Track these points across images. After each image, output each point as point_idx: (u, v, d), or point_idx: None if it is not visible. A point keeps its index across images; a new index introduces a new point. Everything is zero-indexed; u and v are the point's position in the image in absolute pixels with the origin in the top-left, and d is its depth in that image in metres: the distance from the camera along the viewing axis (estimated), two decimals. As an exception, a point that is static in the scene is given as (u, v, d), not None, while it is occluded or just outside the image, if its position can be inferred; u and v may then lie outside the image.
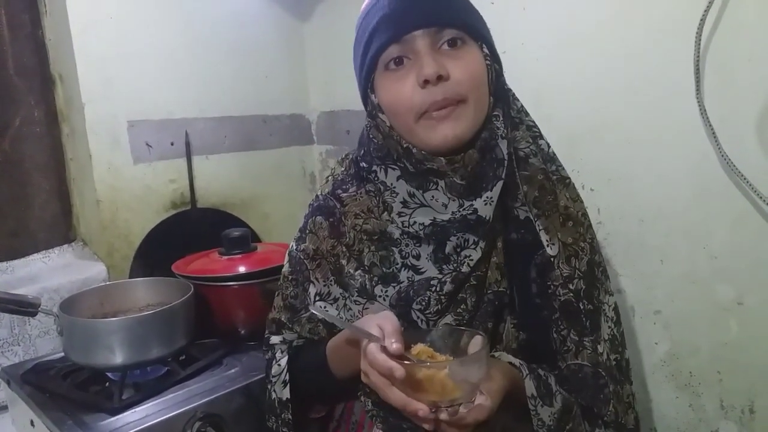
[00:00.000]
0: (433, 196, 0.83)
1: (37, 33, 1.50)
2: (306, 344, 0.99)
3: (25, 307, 1.15)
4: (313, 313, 0.95)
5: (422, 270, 0.86)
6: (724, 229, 1.08)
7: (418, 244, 0.86)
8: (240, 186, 1.76)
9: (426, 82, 0.77)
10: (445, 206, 0.83)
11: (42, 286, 1.41)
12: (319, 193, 1.00)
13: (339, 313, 0.92)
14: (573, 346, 0.84)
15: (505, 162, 0.82)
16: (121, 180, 1.51)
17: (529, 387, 0.78)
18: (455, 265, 0.84)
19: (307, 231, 0.98)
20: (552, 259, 0.84)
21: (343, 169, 0.99)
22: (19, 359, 1.37)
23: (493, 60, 0.83)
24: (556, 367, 0.85)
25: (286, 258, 1.03)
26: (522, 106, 0.90)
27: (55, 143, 1.56)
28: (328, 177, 1.01)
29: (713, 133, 1.03)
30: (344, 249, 0.93)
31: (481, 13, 0.86)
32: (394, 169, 0.86)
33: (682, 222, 1.13)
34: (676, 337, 1.18)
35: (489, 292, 0.85)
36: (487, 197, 0.82)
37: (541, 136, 0.89)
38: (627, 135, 1.17)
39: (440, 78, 0.77)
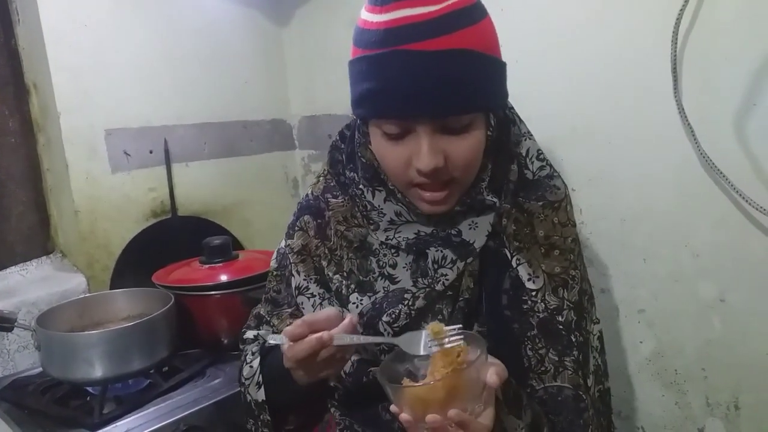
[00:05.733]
0: (417, 209, 0.83)
1: (10, 42, 1.48)
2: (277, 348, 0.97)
3: (0, 322, 1.13)
4: (293, 311, 0.94)
5: (397, 279, 0.86)
6: (706, 227, 1.08)
7: (396, 254, 0.87)
8: (221, 193, 1.74)
9: (421, 171, 0.75)
10: (428, 218, 0.84)
11: (20, 299, 1.38)
12: (309, 192, 0.99)
13: (314, 311, 0.90)
14: (552, 367, 0.81)
15: (497, 204, 0.83)
16: (100, 189, 1.48)
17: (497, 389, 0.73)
18: (430, 281, 0.83)
19: (296, 228, 0.97)
20: (535, 293, 0.82)
21: (333, 171, 0.97)
22: (-3, 375, 1.35)
23: (497, 120, 0.80)
24: (526, 385, 0.82)
25: (274, 255, 1.02)
26: (522, 131, 0.88)
27: (31, 153, 1.53)
28: (319, 176, 0.99)
29: (692, 132, 1.04)
30: (327, 251, 0.93)
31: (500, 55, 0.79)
32: (380, 191, 0.85)
33: (664, 221, 1.13)
34: (660, 335, 1.18)
35: (461, 299, 0.84)
36: (472, 221, 0.83)
37: (525, 166, 0.87)
38: (607, 136, 1.17)
39: (436, 168, 0.75)
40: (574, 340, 0.82)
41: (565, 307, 0.82)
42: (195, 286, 1.33)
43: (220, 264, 1.39)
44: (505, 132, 0.85)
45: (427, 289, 0.83)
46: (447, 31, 0.71)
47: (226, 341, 1.34)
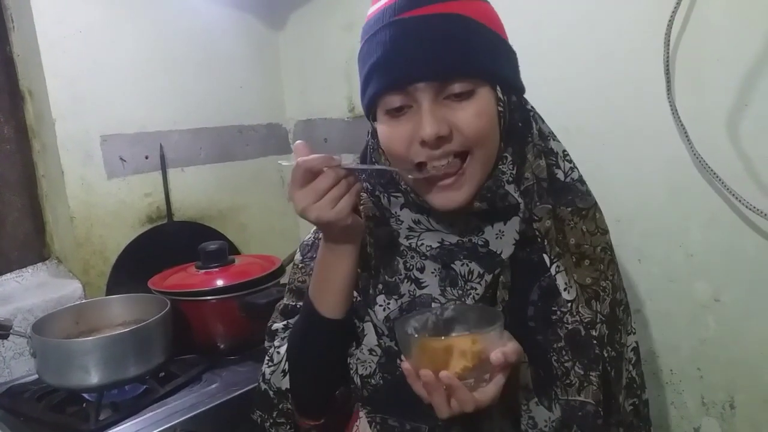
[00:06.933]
0: (437, 218, 0.81)
1: (5, 48, 1.48)
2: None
3: (-5, 330, 1.13)
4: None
5: (424, 284, 0.82)
6: (700, 227, 1.08)
7: (424, 258, 0.83)
8: (217, 198, 1.74)
9: (424, 142, 0.72)
10: (451, 225, 0.81)
11: (16, 306, 1.38)
12: None
13: None
14: (577, 381, 0.77)
15: (521, 205, 0.78)
16: (95, 195, 1.48)
17: (525, 376, 0.71)
18: (460, 292, 0.80)
19: None
20: (570, 304, 0.78)
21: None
22: (-7, 382, 1.34)
23: (509, 100, 0.78)
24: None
25: (298, 249, 0.99)
26: (549, 131, 0.85)
27: (26, 160, 1.53)
28: None
29: (685, 132, 1.04)
30: None
31: (508, 40, 0.80)
32: (396, 197, 0.83)
33: (658, 221, 1.13)
34: (655, 335, 1.18)
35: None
36: (499, 231, 0.79)
37: (557, 165, 0.84)
38: (600, 136, 1.18)
39: (440, 138, 0.72)
40: (606, 355, 0.79)
41: (598, 320, 0.79)
42: (191, 291, 1.33)
43: (217, 269, 1.38)
44: (524, 121, 0.81)
45: (457, 302, 0.80)
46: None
47: (222, 346, 1.34)
